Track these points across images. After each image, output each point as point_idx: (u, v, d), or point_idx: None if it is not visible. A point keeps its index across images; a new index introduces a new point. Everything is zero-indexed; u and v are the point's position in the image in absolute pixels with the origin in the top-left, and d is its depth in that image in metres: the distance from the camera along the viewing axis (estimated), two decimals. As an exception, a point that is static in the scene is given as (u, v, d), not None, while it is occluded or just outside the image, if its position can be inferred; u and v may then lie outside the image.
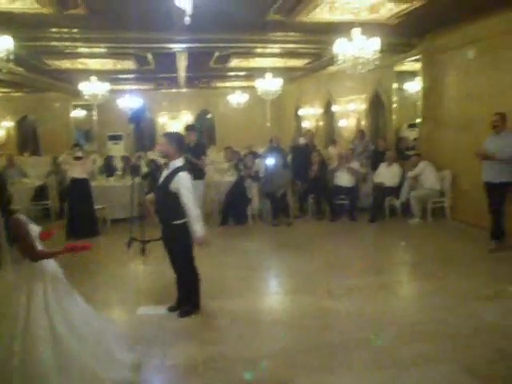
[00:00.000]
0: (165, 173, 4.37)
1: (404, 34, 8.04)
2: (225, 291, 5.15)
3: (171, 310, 4.57)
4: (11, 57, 5.88)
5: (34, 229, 3.11)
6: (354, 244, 7.20)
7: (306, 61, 11.22)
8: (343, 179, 8.91)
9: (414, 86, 9.65)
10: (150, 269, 6.24)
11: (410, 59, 9.17)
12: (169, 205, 4.25)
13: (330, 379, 3.36)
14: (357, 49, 6.20)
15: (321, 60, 10.73)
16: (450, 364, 3.51)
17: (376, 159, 9.40)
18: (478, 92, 7.43)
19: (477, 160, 6.38)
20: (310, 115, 15.24)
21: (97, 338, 3.23)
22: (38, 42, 7.83)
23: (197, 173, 6.93)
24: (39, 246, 3.08)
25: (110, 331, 3.57)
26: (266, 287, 5.75)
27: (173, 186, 4.18)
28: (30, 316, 2.88)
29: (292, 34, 7.79)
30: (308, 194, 9.20)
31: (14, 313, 2.89)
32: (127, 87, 15.45)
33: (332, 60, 8.49)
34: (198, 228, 4.21)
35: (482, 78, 7.33)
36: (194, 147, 7.75)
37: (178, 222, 4.28)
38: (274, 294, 5.49)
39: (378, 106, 11.03)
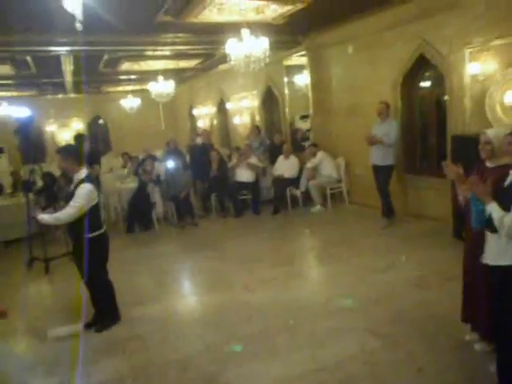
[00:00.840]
0: (71, 187, 4.23)
1: (290, 33, 8.40)
2: (142, 298, 5.08)
3: (88, 326, 4.41)
4: None
5: None
6: (261, 237, 7.40)
7: (197, 61, 11.25)
8: (243, 175, 9.08)
9: (304, 79, 10.15)
10: (57, 287, 5.91)
11: (297, 54, 9.64)
12: (78, 218, 4.10)
13: (257, 367, 3.51)
14: (247, 48, 6.40)
15: (212, 59, 10.82)
16: (359, 331, 3.91)
17: (273, 153, 9.76)
18: (359, 83, 8.11)
19: (366, 146, 6.99)
20: (204, 114, 15.34)
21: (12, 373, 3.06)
22: None
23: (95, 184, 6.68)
24: None
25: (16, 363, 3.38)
26: (183, 289, 5.77)
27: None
28: None
29: (182, 35, 7.78)
30: (210, 192, 9.28)
31: None
32: (5, 94, 14.19)
33: (223, 59, 8.64)
34: (46, 218, 4.19)
35: (361, 70, 8.00)
36: (87, 157, 7.41)
37: (90, 235, 4.15)
38: (191, 294, 5.54)
39: (270, 100, 11.42)
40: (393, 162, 6.89)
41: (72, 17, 4.06)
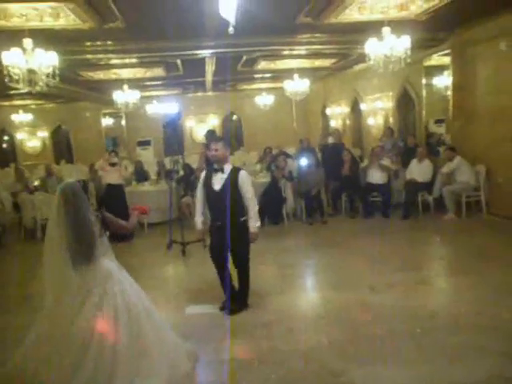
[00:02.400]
0: (219, 175, 4.47)
1: (433, 29, 7.97)
2: (269, 289, 5.28)
3: (222, 309, 4.69)
4: (56, 72, 6.12)
5: None
6: (389, 241, 7.23)
7: (332, 60, 11.28)
8: (375, 176, 8.91)
9: (443, 81, 9.59)
10: (192, 270, 6.44)
11: (439, 54, 9.13)
12: (237, 203, 4.41)
13: (381, 371, 3.45)
14: (387, 47, 6.26)
15: (347, 59, 10.76)
16: (495, 355, 3.56)
17: (406, 155, 9.39)
18: (510, 85, 7.39)
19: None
20: (337, 114, 15.27)
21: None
22: (75, 55, 8.14)
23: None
24: None
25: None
26: (308, 284, 5.90)
27: (239, 184, 4.41)
28: (129, 299, 3.23)
29: (320, 35, 7.88)
30: (341, 192, 9.28)
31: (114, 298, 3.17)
32: (155, 93, 15.74)
33: (358, 59, 8.57)
34: (257, 224, 4.50)
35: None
36: None
37: (243, 219, 4.49)
38: (316, 290, 5.63)
39: (406, 102, 10.99)
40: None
41: (220, 22, 4.38)
